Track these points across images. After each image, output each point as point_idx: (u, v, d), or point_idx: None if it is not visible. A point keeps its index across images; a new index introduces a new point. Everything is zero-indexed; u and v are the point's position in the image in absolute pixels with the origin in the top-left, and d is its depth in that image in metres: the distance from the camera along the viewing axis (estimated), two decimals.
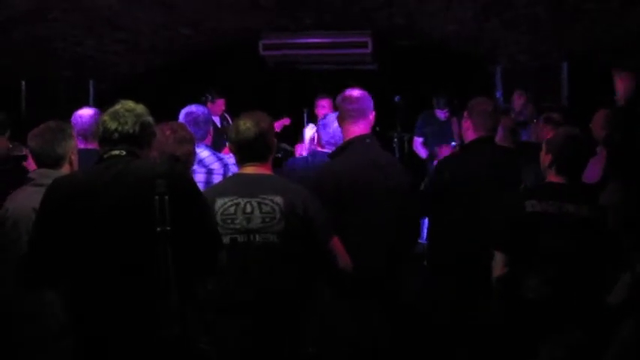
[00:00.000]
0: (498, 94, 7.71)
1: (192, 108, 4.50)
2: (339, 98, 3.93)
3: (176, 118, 4.02)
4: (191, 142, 3.62)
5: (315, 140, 4.68)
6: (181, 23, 7.39)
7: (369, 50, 7.65)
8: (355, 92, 3.89)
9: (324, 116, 4.66)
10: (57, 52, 7.32)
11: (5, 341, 3.34)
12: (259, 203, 3.14)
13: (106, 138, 2.76)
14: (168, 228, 2.59)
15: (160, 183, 2.62)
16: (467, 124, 4.25)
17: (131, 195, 2.65)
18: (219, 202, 3.17)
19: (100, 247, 2.64)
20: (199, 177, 4.12)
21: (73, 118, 4.25)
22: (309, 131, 5.78)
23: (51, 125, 3.50)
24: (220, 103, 7.74)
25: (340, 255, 3.25)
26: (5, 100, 6.86)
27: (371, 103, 3.86)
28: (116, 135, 2.73)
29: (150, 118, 2.83)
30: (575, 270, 3.42)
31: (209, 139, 4.48)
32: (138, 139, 2.77)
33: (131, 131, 2.75)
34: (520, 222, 3.47)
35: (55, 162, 3.42)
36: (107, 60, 7.91)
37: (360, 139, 3.79)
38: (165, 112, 4.67)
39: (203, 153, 4.25)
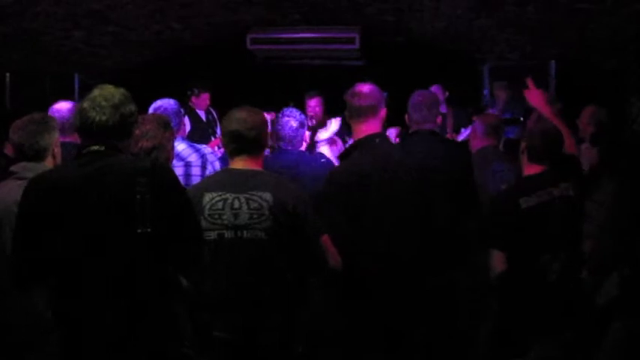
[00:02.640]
0: (486, 92, 7.72)
1: (159, 102, 4.48)
2: (348, 93, 3.74)
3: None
4: (153, 138, 3.52)
5: (272, 136, 4.62)
6: (170, 17, 7.34)
7: (356, 46, 7.64)
8: (366, 87, 3.71)
9: (282, 113, 4.58)
10: (43, 45, 7.26)
11: None
12: (247, 199, 3.12)
13: (85, 129, 2.70)
14: (149, 229, 2.56)
15: (142, 182, 2.58)
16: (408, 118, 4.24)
17: (112, 193, 2.60)
18: (207, 197, 3.14)
19: (80, 246, 2.59)
20: (178, 170, 4.10)
21: (50, 111, 4.20)
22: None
23: (34, 117, 3.46)
24: (205, 98, 7.73)
25: (330, 254, 3.22)
26: None
27: (382, 99, 3.71)
28: (94, 127, 2.67)
29: (131, 107, 2.76)
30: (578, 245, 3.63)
31: (183, 131, 4.46)
32: (117, 131, 2.71)
33: (110, 123, 2.68)
34: (520, 219, 3.55)
35: (39, 155, 3.39)
36: (94, 53, 7.86)
37: (370, 138, 3.65)
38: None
39: (180, 146, 4.21)
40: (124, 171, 2.64)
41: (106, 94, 2.72)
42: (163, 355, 2.67)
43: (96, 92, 2.73)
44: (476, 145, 5.05)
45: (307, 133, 5.32)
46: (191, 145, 4.33)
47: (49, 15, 6.55)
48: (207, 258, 3.03)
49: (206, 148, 4.42)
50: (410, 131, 4.28)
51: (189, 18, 7.44)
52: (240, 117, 3.23)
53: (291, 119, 4.42)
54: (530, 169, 3.76)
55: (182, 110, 4.64)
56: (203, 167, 4.25)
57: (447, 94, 8.06)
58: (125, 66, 8.48)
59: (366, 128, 3.66)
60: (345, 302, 3.55)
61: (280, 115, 4.49)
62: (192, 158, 4.23)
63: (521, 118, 7.25)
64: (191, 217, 2.81)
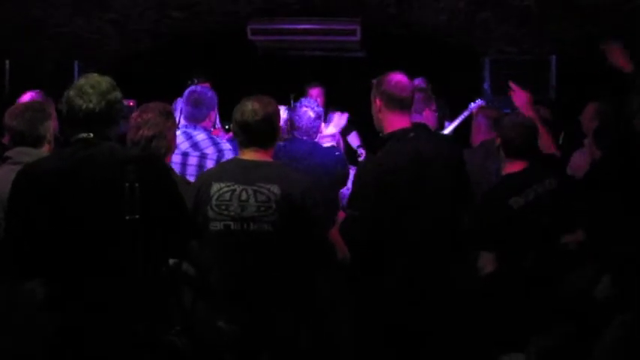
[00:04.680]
0: (486, 86, 7.69)
1: (197, 87, 4.47)
2: (385, 82, 3.60)
3: (161, 100, 3.97)
4: (154, 127, 3.51)
5: (287, 125, 4.62)
6: (170, 6, 7.31)
7: (357, 38, 7.61)
8: (405, 78, 3.60)
9: (300, 103, 4.57)
10: (43, 32, 7.23)
11: None
12: (255, 191, 3.10)
13: (72, 117, 2.70)
14: (137, 216, 2.56)
15: (131, 169, 2.59)
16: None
17: (101, 180, 2.61)
18: (215, 187, 3.13)
19: (69, 235, 2.60)
20: (193, 160, 4.09)
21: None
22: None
23: (33, 105, 3.46)
24: (204, 87, 7.68)
25: (338, 247, 3.19)
26: None
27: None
28: (81, 114, 2.67)
29: (117, 94, 2.76)
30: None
31: (208, 123, 4.40)
32: (104, 118, 2.71)
33: (97, 110, 2.68)
34: (511, 220, 3.55)
35: (37, 141, 3.39)
36: (94, 41, 7.83)
37: (405, 131, 3.55)
38: (152, 95, 4.64)
39: (199, 136, 4.20)
40: (113, 159, 2.66)
41: (92, 82, 2.73)
42: (147, 340, 2.68)
43: (82, 81, 2.74)
44: (478, 139, 5.05)
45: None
46: (210, 137, 4.29)
47: (50, 2, 6.53)
48: (212, 248, 3.03)
49: (225, 144, 4.35)
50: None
51: (189, 7, 7.41)
52: (250, 108, 3.19)
53: (309, 110, 4.42)
54: (512, 167, 3.75)
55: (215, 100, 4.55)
56: (218, 162, 4.22)
57: (430, 86, 8.05)
58: (125, 54, 8.45)
59: (403, 121, 3.57)
60: (366, 296, 3.50)
61: (298, 105, 4.48)
62: (209, 150, 4.20)
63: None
64: (179, 206, 2.82)
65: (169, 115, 3.62)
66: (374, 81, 3.67)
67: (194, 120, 4.30)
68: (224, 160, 4.17)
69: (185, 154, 4.13)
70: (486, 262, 3.61)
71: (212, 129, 7.13)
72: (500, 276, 3.62)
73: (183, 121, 4.48)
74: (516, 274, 3.63)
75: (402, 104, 3.56)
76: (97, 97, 2.69)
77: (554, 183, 3.72)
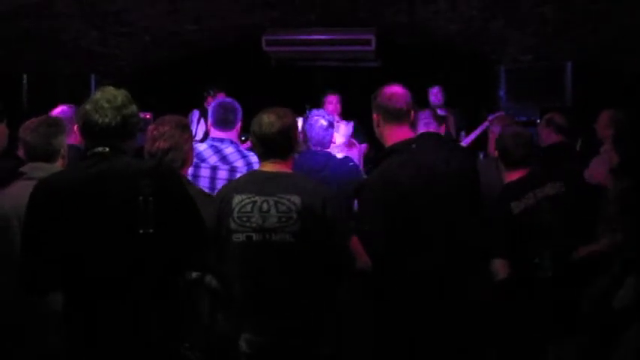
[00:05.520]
0: (501, 94, 7.68)
1: (227, 99, 4.48)
2: (380, 96, 3.56)
3: (177, 113, 3.98)
4: (170, 139, 3.52)
5: (302, 138, 4.60)
6: (185, 19, 7.36)
7: (372, 48, 7.62)
8: (399, 89, 3.55)
9: (311, 113, 4.58)
10: (60, 46, 7.30)
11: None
12: (276, 202, 3.10)
13: (88, 131, 2.71)
14: (151, 230, 2.57)
15: (146, 183, 2.60)
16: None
17: (116, 194, 2.61)
18: (237, 199, 3.14)
19: (84, 249, 2.61)
20: (222, 174, 4.09)
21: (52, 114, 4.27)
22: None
23: (47, 120, 3.48)
24: (221, 98, 7.72)
25: (359, 256, 3.19)
26: (6, 94, 6.86)
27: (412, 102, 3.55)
28: (97, 128, 2.68)
29: (133, 108, 2.76)
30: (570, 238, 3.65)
31: (235, 134, 4.37)
32: (120, 132, 2.71)
33: (113, 124, 2.69)
34: (513, 224, 3.56)
35: (50, 156, 3.41)
36: (110, 54, 7.89)
37: (407, 143, 3.50)
38: (168, 107, 4.66)
39: (227, 149, 4.19)
40: (128, 172, 2.66)
41: (108, 96, 2.73)
42: (161, 354, 2.68)
43: (98, 95, 2.74)
44: None
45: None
46: (239, 151, 4.29)
47: (66, 16, 6.59)
48: (234, 259, 3.05)
49: (253, 156, 4.31)
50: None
51: (204, 19, 7.45)
52: (268, 121, 3.21)
53: (321, 118, 4.42)
54: (511, 176, 3.80)
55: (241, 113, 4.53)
56: None
57: (446, 96, 8.08)
58: (140, 67, 8.50)
59: (402, 133, 3.52)
60: (379, 310, 3.48)
61: (309, 115, 4.48)
62: (238, 164, 4.19)
63: (537, 120, 7.22)
64: (195, 218, 2.82)
65: (185, 127, 3.63)
66: (372, 95, 3.63)
67: (224, 124, 4.25)
68: None
69: (214, 168, 4.13)
70: (499, 269, 3.59)
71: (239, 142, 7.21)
72: (513, 282, 3.60)
73: (209, 133, 4.45)
74: (529, 279, 3.61)
75: (398, 116, 3.51)
76: (112, 111, 2.70)
77: (562, 186, 3.73)
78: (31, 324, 3.23)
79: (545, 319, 3.61)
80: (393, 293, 3.36)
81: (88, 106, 2.72)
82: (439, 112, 8.01)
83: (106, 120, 2.69)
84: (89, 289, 2.63)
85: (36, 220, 2.66)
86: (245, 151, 4.28)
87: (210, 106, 4.49)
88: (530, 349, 3.68)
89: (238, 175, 4.05)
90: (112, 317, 2.62)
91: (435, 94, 8.10)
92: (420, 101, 4.13)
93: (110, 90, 2.77)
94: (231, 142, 4.25)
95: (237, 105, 4.36)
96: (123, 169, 2.67)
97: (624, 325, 3.35)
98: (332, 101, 7.57)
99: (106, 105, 2.70)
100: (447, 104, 8.11)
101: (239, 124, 4.35)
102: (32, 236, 2.66)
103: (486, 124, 6.64)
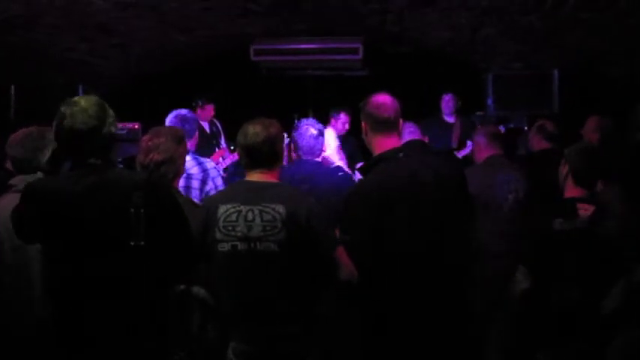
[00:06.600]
0: (489, 101, 7.72)
1: (181, 110, 4.53)
2: (368, 105, 3.52)
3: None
4: (165, 152, 3.51)
5: (292, 147, 4.62)
6: (174, 29, 7.36)
7: (359, 56, 7.63)
8: (387, 98, 3.51)
9: (301, 122, 4.59)
10: (48, 57, 7.29)
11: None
12: (261, 211, 3.11)
13: (65, 141, 2.71)
14: (142, 243, 2.57)
15: (137, 195, 2.59)
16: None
17: (107, 206, 2.61)
18: (222, 209, 3.15)
19: (74, 259, 2.61)
20: (179, 182, 4.10)
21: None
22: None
23: (32, 132, 3.46)
24: (209, 109, 7.77)
25: (345, 266, 3.17)
26: None
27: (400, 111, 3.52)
28: (73, 138, 2.67)
29: (108, 115, 2.74)
30: (592, 284, 3.44)
31: (193, 143, 4.44)
32: (98, 140, 2.71)
33: (90, 133, 2.67)
34: (552, 241, 3.47)
35: (37, 169, 3.40)
36: (99, 65, 7.88)
37: (394, 152, 3.46)
38: (157, 117, 4.67)
39: None
40: (119, 184, 2.66)
41: (84, 105, 2.70)
42: None
43: (73, 106, 2.71)
44: (481, 157, 5.05)
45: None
46: (195, 158, 4.32)
47: (55, 27, 6.58)
48: (220, 269, 3.06)
49: (209, 163, 4.40)
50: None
51: (192, 30, 7.46)
52: (253, 131, 3.22)
53: (310, 127, 4.43)
54: (572, 192, 3.64)
55: (198, 121, 4.66)
56: (203, 181, 4.22)
57: (459, 103, 8.13)
58: (130, 77, 8.50)
59: (391, 142, 3.49)
60: (366, 319, 3.46)
61: (299, 125, 4.49)
62: (193, 171, 4.21)
63: (525, 128, 7.25)
64: (185, 230, 2.83)
65: (181, 140, 3.62)
66: (361, 104, 3.61)
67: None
68: (209, 179, 4.20)
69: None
70: (523, 277, 3.52)
71: (217, 149, 7.21)
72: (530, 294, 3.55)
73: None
74: (543, 296, 3.55)
75: (386, 125, 3.48)
76: (89, 120, 2.67)
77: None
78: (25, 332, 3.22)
79: (536, 325, 3.59)
80: (380, 303, 3.35)
81: (65, 112, 2.69)
82: (448, 119, 8.11)
83: (84, 128, 2.66)
84: (79, 301, 2.63)
85: (25, 227, 2.66)
86: (200, 158, 4.32)
87: (167, 118, 4.52)
88: (519, 357, 3.67)
89: (194, 181, 4.10)
90: (101, 328, 2.62)
91: (446, 102, 8.16)
92: (406, 110, 4.09)
93: (83, 100, 2.74)
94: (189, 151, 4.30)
95: (193, 115, 4.47)
96: (114, 181, 2.67)
97: (612, 331, 3.35)
98: (342, 119, 7.65)
99: (82, 115, 2.67)
100: (458, 112, 8.18)
101: (196, 133, 4.51)
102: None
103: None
